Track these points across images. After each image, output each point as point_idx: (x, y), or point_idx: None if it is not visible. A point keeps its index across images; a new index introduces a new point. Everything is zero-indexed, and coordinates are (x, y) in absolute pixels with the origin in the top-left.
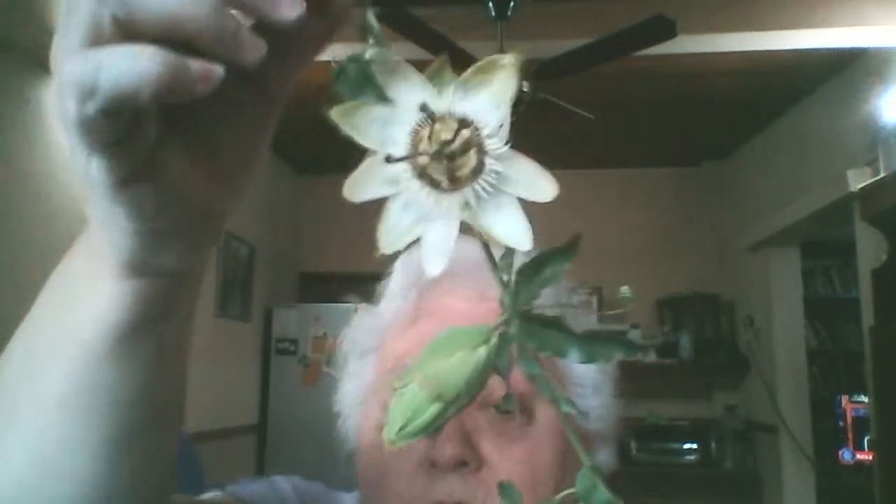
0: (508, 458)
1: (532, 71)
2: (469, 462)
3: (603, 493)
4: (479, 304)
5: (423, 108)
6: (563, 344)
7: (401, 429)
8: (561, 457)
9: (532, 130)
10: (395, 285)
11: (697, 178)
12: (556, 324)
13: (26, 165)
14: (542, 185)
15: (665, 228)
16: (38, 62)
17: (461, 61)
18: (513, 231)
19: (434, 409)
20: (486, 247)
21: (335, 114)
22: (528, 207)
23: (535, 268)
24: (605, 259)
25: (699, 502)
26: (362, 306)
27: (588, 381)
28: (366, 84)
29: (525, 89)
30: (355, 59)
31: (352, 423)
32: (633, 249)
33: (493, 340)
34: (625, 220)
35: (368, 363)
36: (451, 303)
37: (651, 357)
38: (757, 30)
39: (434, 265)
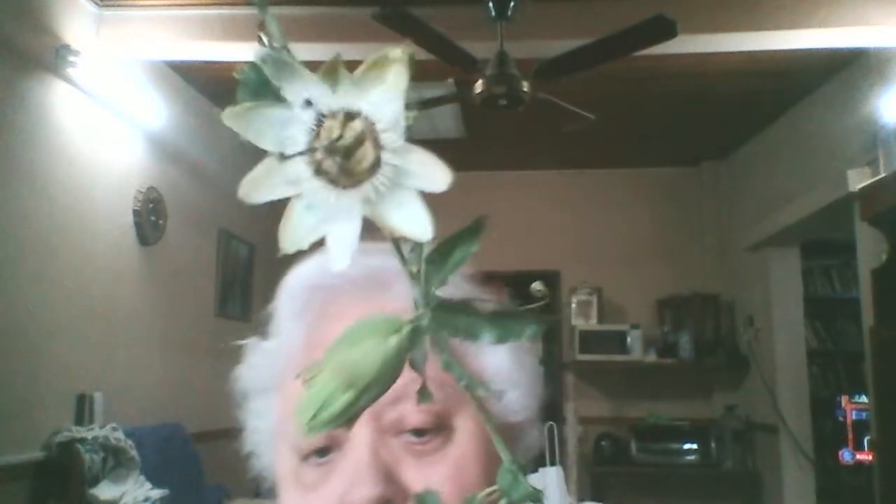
0: (435, 482)
1: (532, 71)
2: (393, 499)
3: (524, 486)
4: None
5: (308, 103)
6: (474, 326)
7: (313, 418)
8: (487, 465)
9: (532, 130)
10: (282, 319)
11: (697, 179)
12: (464, 308)
13: (27, 165)
14: (438, 176)
15: (665, 228)
16: (38, 63)
17: (461, 61)
18: (414, 223)
19: (346, 397)
20: (396, 244)
21: (227, 116)
22: (527, 204)
23: (443, 253)
24: (605, 259)
25: (699, 502)
26: (251, 341)
27: (502, 375)
28: (265, 89)
29: (525, 89)
30: (254, 65)
31: (266, 462)
32: (634, 249)
33: (405, 330)
34: (625, 220)
35: (270, 399)
36: (342, 330)
37: (651, 357)
38: (757, 30)
39: (338, 262)
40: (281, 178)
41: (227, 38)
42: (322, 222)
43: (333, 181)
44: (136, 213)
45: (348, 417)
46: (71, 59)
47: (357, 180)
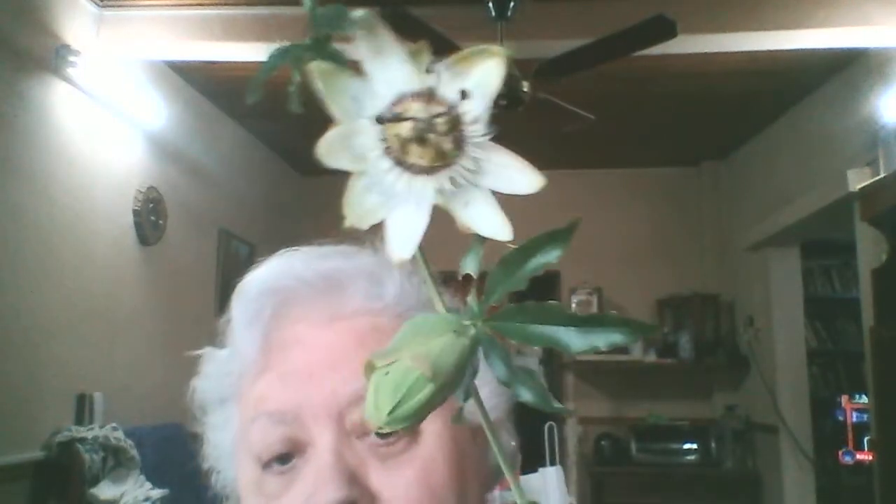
0: (401, 484)
1: (532, 71)
2: (359, 501)
3: None
4: (332, 326)
5: (430, 69)
6: (555, 334)
7: (392, 410)
8: (457, 467)
9: (532, 130)
10: (237, 325)
11: (697, 179)
12: (543, 311)
13: (27, 165)
14: (521, 180)
15: (665, 228)
16: (38, 63)
17: None
18: (490, 221)
19: (429, 389)
20: (422, 255)
21: (316, 68)
22: (525, 205)
23: (521, 257)
24: (605, 259)
25: (699, 502)
26: (206, 351)
27: None
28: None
29: (525, 89)
30: (310, 42)
31: (228, 477)
32: (633, 249)
33: (472, 332)
34: (625, 220)
35: (230, 410)
36: (301, 332)
37: (651, 357)
38: (757, 30)
39: (401, 251)
40: (346, 151)
41: (227, 38)
42: (385, 205)
43: (405, 165)
44: (136, 213)
45: (427, 413)
46: (71, 59)
47: (434, 167)
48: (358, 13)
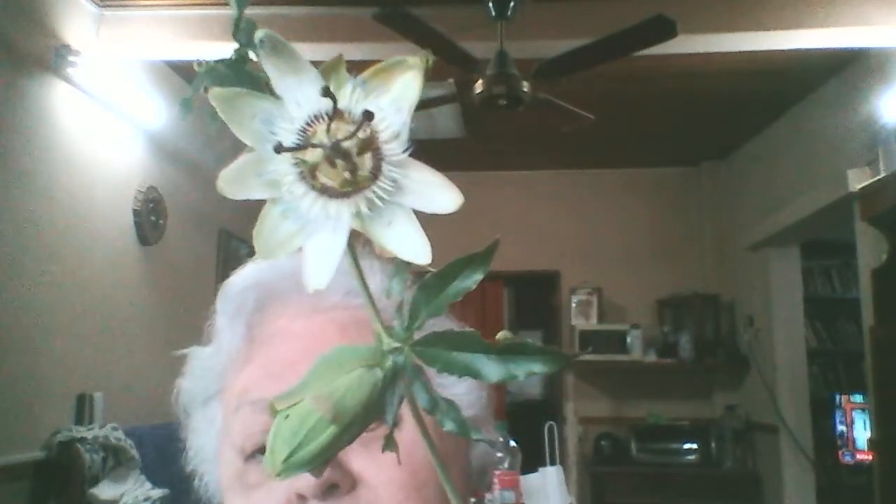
0: (383, 467)
1: (532, 71)
2: (340, 483)
3: None
4: (313, 318)
5: (326, 93)
6: (474, 362)
7: (289, 456)
8: (438, 448)
9: (532, 130)
10: (221, 321)
11: (697, 179)
12: (463, 339)
13: (27, 165)
14: (442, 198)
15: (665, 228)
16: (38, 62)
17: (461, 61)
18: (408, 243)
19: (331, 431)
20: (356, 262)
21: (214, 96)
22: (526, 204)
23: (440, 282)
24: (605, 259)
25: (699, 502)
26: (191, 350)
27: None
28: (241, 82)
29: (525, 89)
30: (232, 59)
31: (211, 480)
32: (634, 249)
33: (389, 363)
34: (625, 220)
35: (214, 410)
36: (283, 325)
37: (651, 357)
38: (757, 30)
39: (317, 279)
40: (259, 178)
41: (227, 38)
42: (301, 231)
43: (320, 189)
44: (136, 213)
45: (331, 455)
46: (71, 59)
47: (348, 190)
48: (260, 32)
